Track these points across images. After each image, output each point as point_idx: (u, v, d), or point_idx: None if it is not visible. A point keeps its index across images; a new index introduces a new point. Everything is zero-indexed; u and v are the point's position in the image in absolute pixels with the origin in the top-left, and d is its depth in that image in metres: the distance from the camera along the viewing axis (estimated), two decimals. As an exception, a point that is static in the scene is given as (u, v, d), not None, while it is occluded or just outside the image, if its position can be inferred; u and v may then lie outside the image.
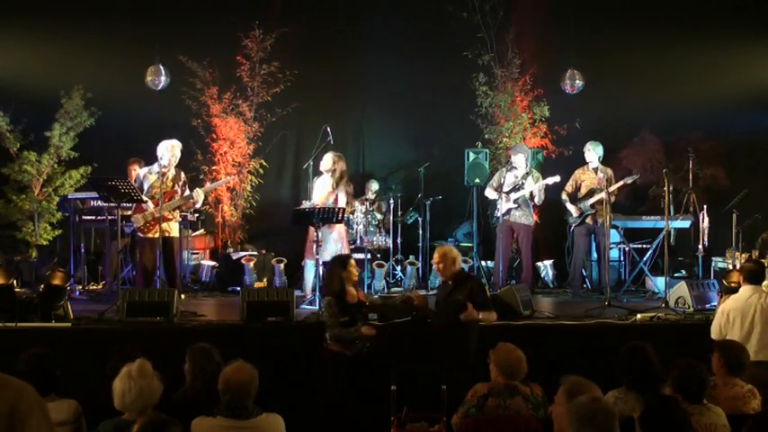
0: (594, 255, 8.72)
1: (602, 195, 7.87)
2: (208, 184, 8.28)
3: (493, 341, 4.35)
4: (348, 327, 5.12)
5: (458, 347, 5.07)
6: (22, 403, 1.41)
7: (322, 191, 7.58)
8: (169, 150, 6.95)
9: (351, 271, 5.30)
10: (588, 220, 8.19)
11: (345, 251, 7.64)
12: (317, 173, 7.71)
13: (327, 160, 7.61)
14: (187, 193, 7.07)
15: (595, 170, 8.21)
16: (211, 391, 3.82)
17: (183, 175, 7.20)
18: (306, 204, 7.54)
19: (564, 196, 8.30)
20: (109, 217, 7.82)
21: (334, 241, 7.48)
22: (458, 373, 4.81)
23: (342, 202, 7.52)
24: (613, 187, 7.76)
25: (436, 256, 5.43)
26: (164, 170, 6.90)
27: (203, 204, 7.74)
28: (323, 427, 5.02)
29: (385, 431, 4.51)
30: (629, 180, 8.12)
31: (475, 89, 9.60)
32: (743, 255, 7.75)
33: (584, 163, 8.31)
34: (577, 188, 8.27)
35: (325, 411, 5.07)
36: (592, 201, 8.07)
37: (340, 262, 5.41)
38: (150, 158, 7.16)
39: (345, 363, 5.09)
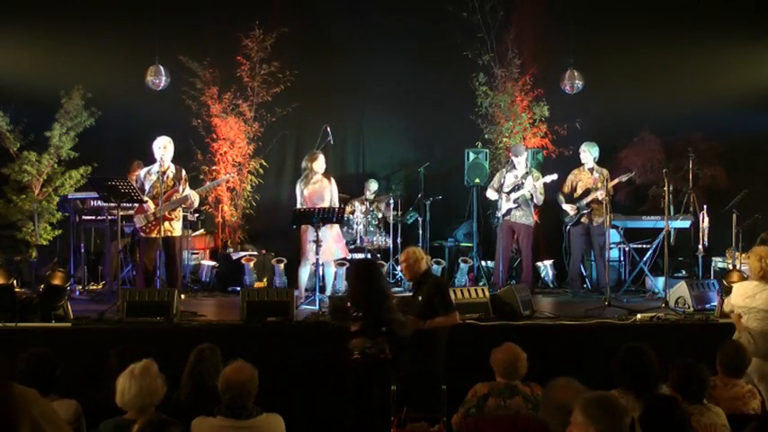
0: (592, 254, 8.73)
1: (598, 194, 7.92)
2: (207, 183, 8.29)
3: (493, 341, 4.35)
4: None
5: (423, 350, 4.91)
6: (36, 410, 1.43)
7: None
8: (161, 148, 6.96)
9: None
10: (584, 220, 8.22)
11: (343, 251, 7.66)
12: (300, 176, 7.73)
13: (323, 161, 7.65)
14: (187, 191, 7.07)
15: (591, 170, 8.26)
16: (202, 397, 3.83)
17: (183, 173, 7.20)
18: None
19: (560, 197, 8.33)
20: (109, 217, 7.83)
21: (334, 241, 7.48)
22: (430, 372, 4.78)
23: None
24: (609, 184, 7.76)
25: (401, 256, 5.31)
26: (161, 169, 6.91)
27: (203, 204, 7.75)
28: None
29: (385, 431, 4.51)
30: (624, 178, 8.15)
31: (475, 89, 9.60)
32: (743, 255, 7.75)
33: (582, 163, 8.35)
34: (573, 189, 8.31)
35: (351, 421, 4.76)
36: (587, 200, 8.11)
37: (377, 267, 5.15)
38: (151, 159, 7.16)
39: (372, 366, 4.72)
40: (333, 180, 7.70)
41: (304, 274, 7.57)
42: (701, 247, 8.09)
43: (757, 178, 9.42)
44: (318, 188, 7.52)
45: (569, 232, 8.42)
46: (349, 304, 4.78)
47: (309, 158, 7.58)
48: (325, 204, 7.37)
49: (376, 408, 4.62)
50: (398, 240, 8.91)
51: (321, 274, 7.27)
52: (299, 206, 7.46)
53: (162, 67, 9.22)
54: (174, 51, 9.24)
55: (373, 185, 9.43)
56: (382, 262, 8.41)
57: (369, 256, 8.33)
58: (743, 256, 7.72)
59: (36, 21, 9.15)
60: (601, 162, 8.41)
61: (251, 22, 9.47)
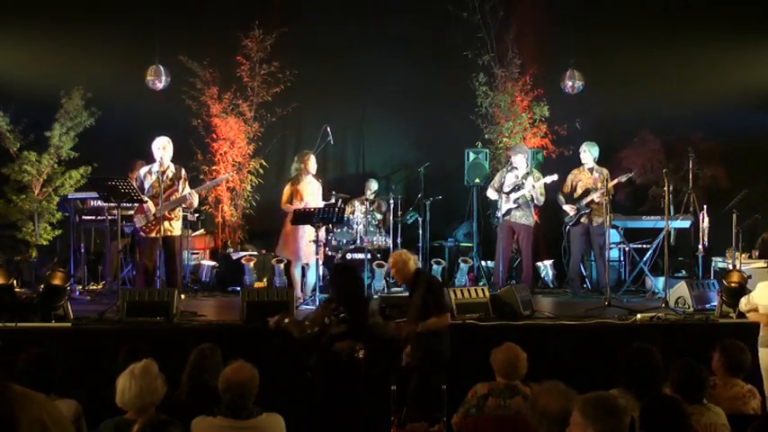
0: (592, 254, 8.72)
1: (595, 196, 7.93)
2: (206, 183, 8.29)
3: (493, 341, 4.35)
4: None
5: (427, 349, 4.92)
6: (46, 414, 1.45)
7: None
8: (160, 148, 6.97)
9: None
10: (583, 220, 8.22)
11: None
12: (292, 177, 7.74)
13: (315, 161, 7.64)
14: (187, 190, 7.07)
15: (591, 170, 8.27)
16: (202, 397, 3.83)
17: (183, 171, 7.21)
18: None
19: (560, 197, 8.33)
20: (109, 217, 7.83)
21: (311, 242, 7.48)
22: (433, 373, 4.77)
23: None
24: (609, 184, 7.76)
25: (390, 261, 5.30)
26: (161, 168, 6.92)
27: (203, 204, 7.75)
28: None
29: (385, 431, 4.51)
30: (623, 178, 8.15)
31: (475, 89, 9.60)
32: (743, 255, 7.76)
33: (582, 163, 8.35)
34: (573, 189, 8.31)
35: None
36: (587, 200, 8.12)
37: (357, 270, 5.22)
38: (152, 159, 7.16)
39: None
40: (320, 181, 7.77)
41: (299, 274, 7.58)
42: (700, 247, 8.08)
43: (757, 178, 9.42)
44: (311, 189, 7.57)
45: (569, 232, 8.42)
46: (333, 306, 4.73)
47: (302, 160, 7.62)
48: (312, 206, 7.38)
49: (367, 409, 4.63)
50: (398, 240, 8.91)
51: (321, 273, 7.27)
52: (284, 204, 7.48)
53: (162, 68, 9.24)
54: (174, 52, 9.25)
55: (373, 185, 9.43)
56: (382, 262, 8.40)
57: (369, 256, 8.33)
58: (743, 256, 7.73)
59: (36, 21, 9.15)
60: (601, 162, 8.41)
61: (251, 22, 9.47)
